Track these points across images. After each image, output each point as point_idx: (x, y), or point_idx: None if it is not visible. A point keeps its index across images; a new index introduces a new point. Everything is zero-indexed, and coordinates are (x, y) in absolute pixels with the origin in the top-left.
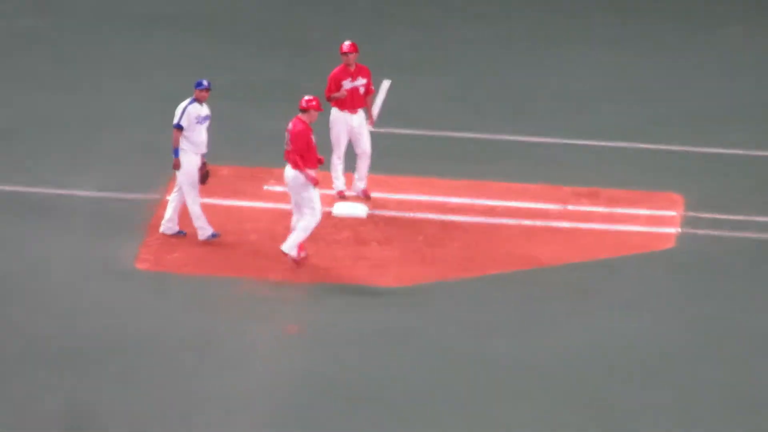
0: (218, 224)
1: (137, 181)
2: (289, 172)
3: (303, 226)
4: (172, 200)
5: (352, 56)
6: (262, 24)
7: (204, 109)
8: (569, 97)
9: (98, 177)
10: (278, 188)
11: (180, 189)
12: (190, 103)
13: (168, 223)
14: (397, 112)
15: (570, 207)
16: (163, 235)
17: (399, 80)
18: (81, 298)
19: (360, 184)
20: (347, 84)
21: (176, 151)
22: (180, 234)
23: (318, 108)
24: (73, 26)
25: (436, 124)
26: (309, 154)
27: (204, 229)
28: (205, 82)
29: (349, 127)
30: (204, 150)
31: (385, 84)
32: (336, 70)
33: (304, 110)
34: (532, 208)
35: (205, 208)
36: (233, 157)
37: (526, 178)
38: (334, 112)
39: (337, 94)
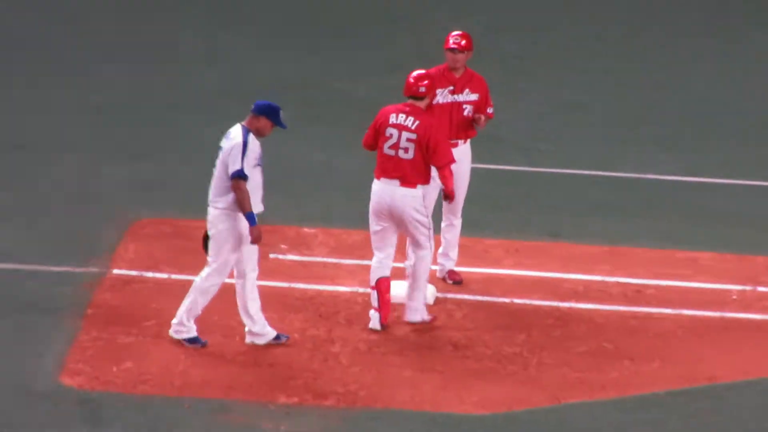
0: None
1: (64, 247)
2: (403, 191)
3: (423, 268)
4: (244, 295)
5: (461, 56)
6: None
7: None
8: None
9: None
10: (292, 257)
11: (245, 274)
12: (247, 134)
13: (255, 332)
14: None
15: (761, 289)
16: (143, 338)
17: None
18: None
19: (446, 261)
20: (444, 97)
21: (252, 216)
22: (280, 339)
23: (430, 89)
24: None
25: (538, 157)
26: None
27: (263, 335)
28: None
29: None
30: (261, 207)
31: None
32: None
33: (418, 97)
34: (703, 289)
35: (176, 288)
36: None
37: (691, 242)
38: None
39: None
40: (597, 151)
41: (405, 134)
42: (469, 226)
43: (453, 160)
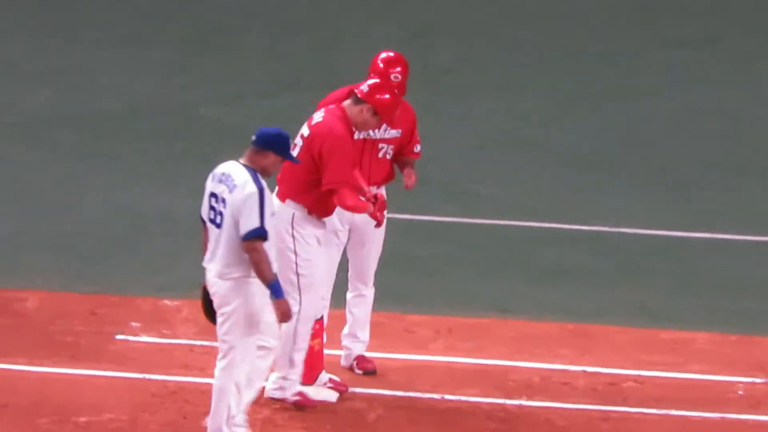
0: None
1: None
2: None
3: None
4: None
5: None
6: None
7: None
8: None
9: None
10: (147, 338)
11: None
12: (258, 178)
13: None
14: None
15: None
16: None
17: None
18: None
19: (353, 344)
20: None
21: (278, 287)
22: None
23: (389, 106)
24: None
25: (476, 205)
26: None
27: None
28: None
29: (351, 223)
30: (275, 268)
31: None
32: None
33: (359, 100)
34: (698, 381)
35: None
36: None
37: (682, 318)
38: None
39: None
40: (556, 197)
41: (302, 129)
42: (385, 298)
43: (343, 181)
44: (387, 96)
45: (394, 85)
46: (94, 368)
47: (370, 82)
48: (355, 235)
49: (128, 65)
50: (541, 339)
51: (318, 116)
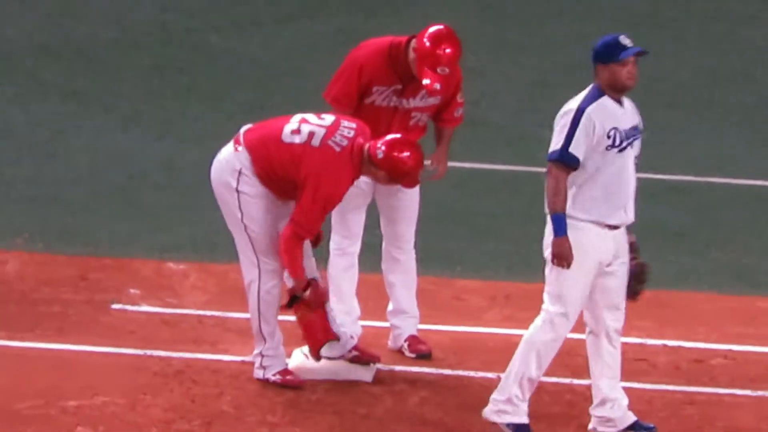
0: None
1: None
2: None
3: (251, 297)
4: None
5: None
6: None
7: None
8: None
9: None
10: (148, 308)
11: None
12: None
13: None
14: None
15: None
16: None
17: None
18: None
19: (401, 321)
20: (384, 98)
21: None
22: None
23: (412, 169)
24: None
25: (540, 149)
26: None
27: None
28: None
29: (377, 190)
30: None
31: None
32: (375, 53)
33: (374, 161)
34: None
35: None
36: None
37: None
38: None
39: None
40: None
41: (311, 118)
42: (431, 260)
43: (308, 232)
44: (406, 159)
45: (419, 129)
46: (85, 343)
47: (389, 138)
48: (381, 194)
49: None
50: None
51: (330, 137)
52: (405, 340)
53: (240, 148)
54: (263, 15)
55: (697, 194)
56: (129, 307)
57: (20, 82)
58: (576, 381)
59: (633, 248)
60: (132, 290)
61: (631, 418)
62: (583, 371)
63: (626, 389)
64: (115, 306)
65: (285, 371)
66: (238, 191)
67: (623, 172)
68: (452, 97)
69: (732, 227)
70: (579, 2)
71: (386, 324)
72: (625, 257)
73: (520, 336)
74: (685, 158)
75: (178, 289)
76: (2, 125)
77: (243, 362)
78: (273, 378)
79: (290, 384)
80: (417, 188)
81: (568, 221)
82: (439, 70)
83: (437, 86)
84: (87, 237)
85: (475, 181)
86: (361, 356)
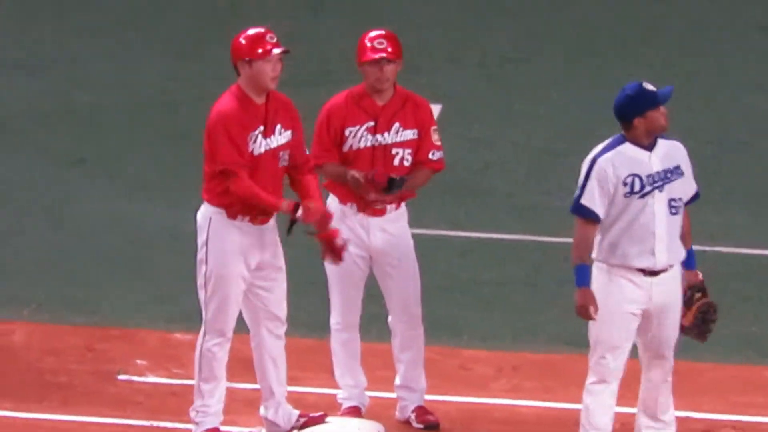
0: None
1: None
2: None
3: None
4: None
5: (389, 68)
6: None
7: None
8: None
9: None
10: (155, 379)
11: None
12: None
13: None
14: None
15: None
16: None
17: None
18: None
19: (408, 393)
20: (361, 139)
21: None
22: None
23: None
24: None
25: (544, 217)
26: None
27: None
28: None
29: (366, 247)
30: None
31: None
32: (336, 99)
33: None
34: None
35: None
36: None
37: None
38: (331, 201)
39: (331, 169)
40: None
41: None
42: (437, 329)
43: (237, 163)
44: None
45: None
46: (91, 414)
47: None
48: (378, 263)
49: (128, 53)
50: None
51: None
52: (412, 411)
53: (203, 204)
54: None
55: (704, 263)
56: (135, 378)
57: (25, 150)
58: None
59: (699, 287)
60: (138, 361)
61: None
62: None
63: None
64: (121, 377)
65: (214, 430)
66: (207, 245)
67: (648, 216)
68: (426, 129)
69: (739, 296)
70: (585, 69)
71: (393, 395)
72: (675, 305)
73: (526, 407)
74: (693, 227)
75: (185, 360)
76: (7, 193)
77: None
78: None
79: None
80: (412, 258)
81: (597, 265)
82: (376, 43)
83: (382, 55)
84: (93, 307)
85: (481, 250)
86: (308, 421)
